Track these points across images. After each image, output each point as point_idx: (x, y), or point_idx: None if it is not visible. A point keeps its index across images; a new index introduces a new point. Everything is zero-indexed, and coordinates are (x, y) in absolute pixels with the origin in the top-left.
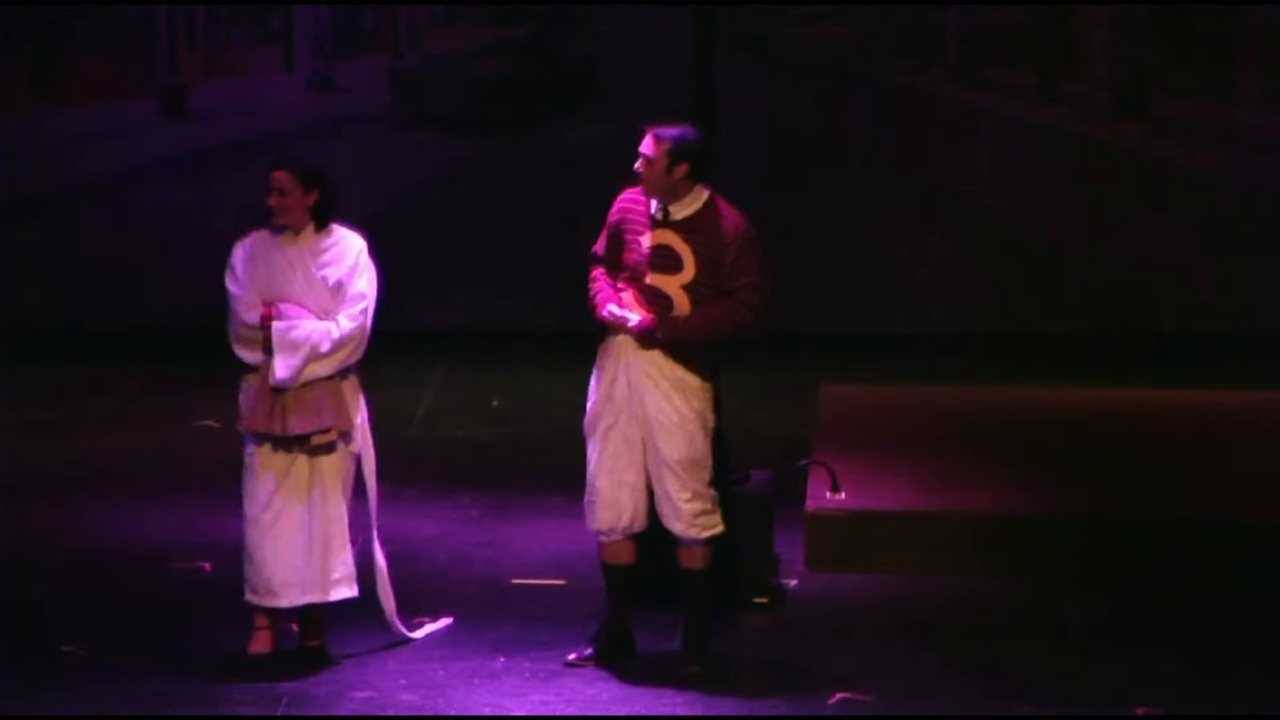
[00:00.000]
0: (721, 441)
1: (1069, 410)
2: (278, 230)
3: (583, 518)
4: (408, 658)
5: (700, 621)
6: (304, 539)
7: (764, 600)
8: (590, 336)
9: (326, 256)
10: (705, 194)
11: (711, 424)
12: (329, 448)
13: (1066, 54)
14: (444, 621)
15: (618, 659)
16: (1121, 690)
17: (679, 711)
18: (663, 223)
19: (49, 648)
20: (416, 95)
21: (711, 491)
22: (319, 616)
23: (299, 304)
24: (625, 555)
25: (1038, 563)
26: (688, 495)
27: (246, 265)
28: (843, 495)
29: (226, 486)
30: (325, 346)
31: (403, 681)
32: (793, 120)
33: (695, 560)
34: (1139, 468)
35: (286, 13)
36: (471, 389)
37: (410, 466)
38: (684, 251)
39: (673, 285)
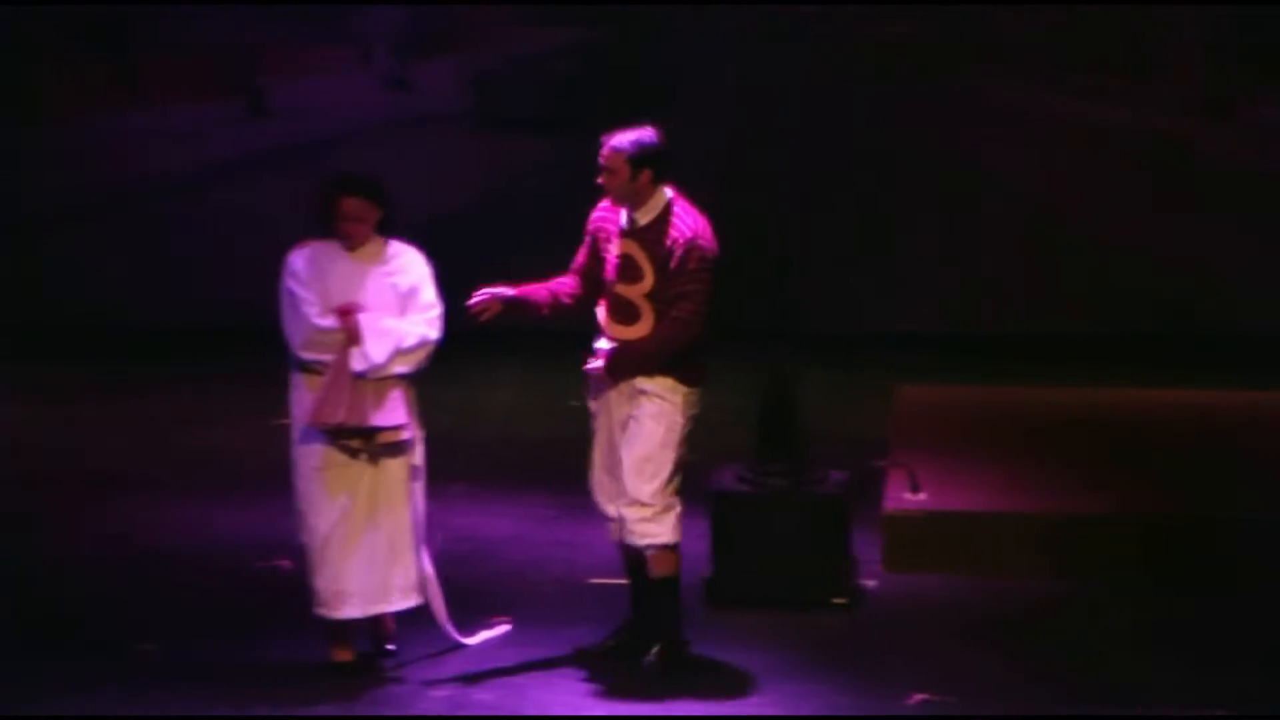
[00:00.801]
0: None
1: (1144, 411)
2: (334, 239)
3: None
4: (484, 657)
5: (664, 629)
6: (369, 548)
7: (842, 601)
8: None
9: (393, 265)
10: (665, 199)
11: (678, 427)
12: (396, 451)
13: (1135, 55)
14: (501, 627)
15: (638, 649)
16: (1196, 691)
17: (757, 713)
18: (628, 232)
19: (128, 646)
20: (492, 96)
21: (656, 502)
22: (390, 621)
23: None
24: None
25: (1115, 563)
26: (627, 500)
27: (311, 273)
28: (922, 495)
29: None
30: (410, 341)
31: (480, 681)
32: (859, 121)
33: (651, 568)
34: (1214, 468)
35: (364, 13)
36: (548, 388)
37: (486, 466)
38: (643, 260)
39: (636, 294)
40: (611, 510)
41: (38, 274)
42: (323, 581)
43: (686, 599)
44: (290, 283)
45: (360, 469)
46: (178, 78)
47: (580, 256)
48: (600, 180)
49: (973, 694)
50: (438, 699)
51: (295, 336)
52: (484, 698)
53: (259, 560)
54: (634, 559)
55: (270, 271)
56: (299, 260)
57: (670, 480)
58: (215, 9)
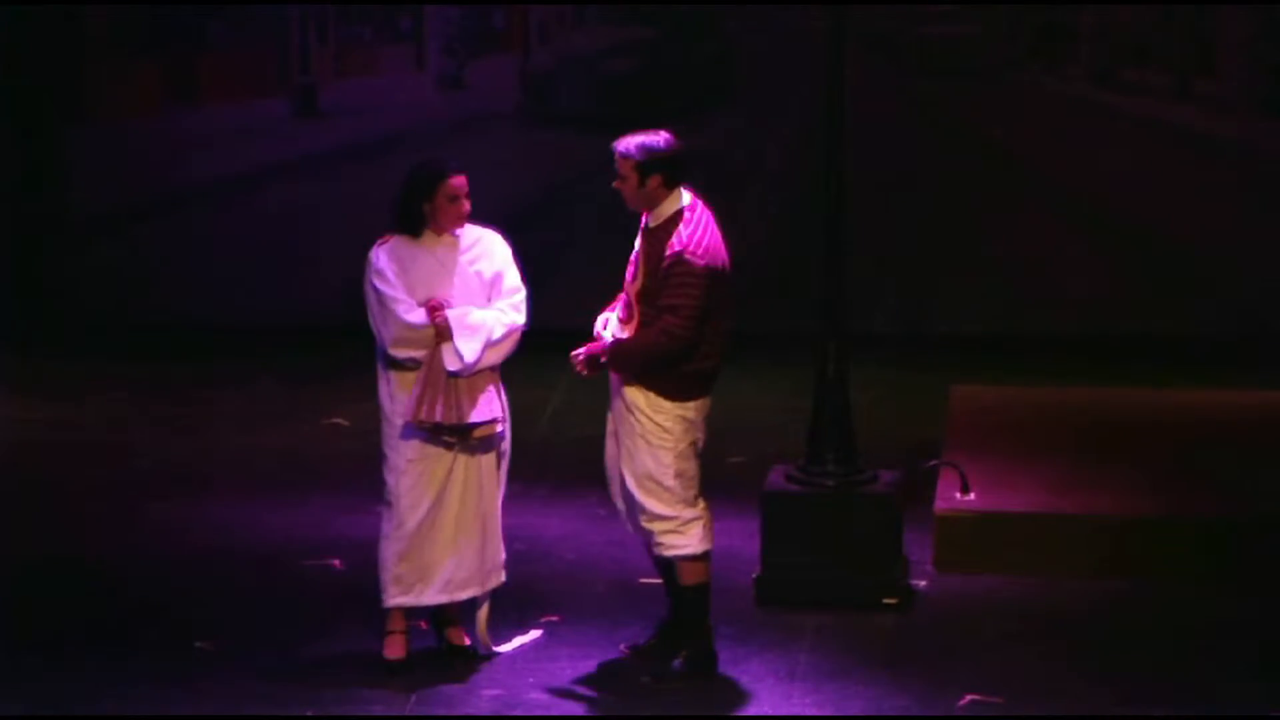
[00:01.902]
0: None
1: (1198, 411)
2: (414, 234)
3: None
4: (535, 657)
5: (691, 635)
6: (467, 534)
7: (893, 601)
8: None
9: (474, 253)
10: (678, 205)
11: (683, 444)
12: (489, 442)
13: (1201, 53)
14: (534, 633)
15: (668, 651)
16: (1252, 692)
17: (808, 712)
18: (642, 233)
19: (181, 644)
20: (546, 95)
21: (676, 512)
22: (458, 614)
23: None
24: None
25: (1166, 564)
26: (646, 516)
27: (394, 269)
28: (972, 496)
29: (357, 484)
30: (498, 333)
31: (530, 680)
32: (923, 120)
33: (680, 575)
34: (1268, 469)
35: (416, 12)
36: (600, 389)
37: (539, 465)
38: (645, 262)
39: (633, 293)
40: (623, 510)
41: (85, 276)
42: (405, 568)
43: (738, 599)
44: (376, 281)
45: (454, 459)
46: (227, 78)
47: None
48: (615, 184)
49: (1023, 695)
50: (488, 699)
51: (385, 335)
52: (535, 698)
53: (310, 559)
54: (664, 561)
55: (320, 273)
56: (382, 257)
57: (682, 492)
58: (266, 9)
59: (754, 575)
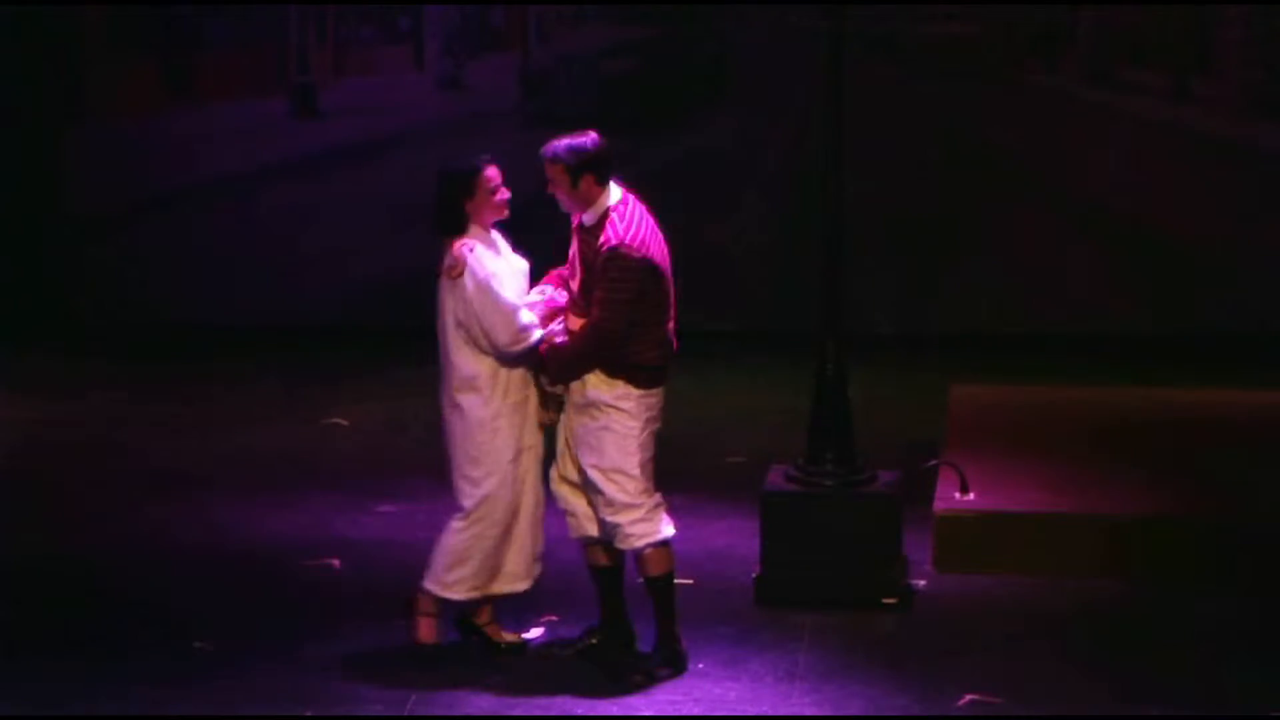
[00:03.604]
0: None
1: (1198, 412)
2: (458, 234)
3: (705, 517)
4: (535, 657)
5: (661, 625)
6: (535, 527)
7: (892, 601)
8: (716, 336)
9: (504, 244)
10: (609, 201)
11: (634, 433)
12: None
13: (1199, 53)
14: (535, 632)
15: (613, 655)
16: (1251, 692)
17: (808, 712)
18: (578, 231)
19: (180, 644)
20: (545, 94)
21: (640, 500)
22: (492, 610)
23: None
24: (599, 558)
25: (1166, 565)
26: (612, 509)
27: (498, 271)
28: (971, 496)
29: (357, 484)
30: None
31: (530, 680)
32: (921, 120)
33: (644, 567)
34: (1269, 469)
35: (416, 12)
36: None
37: None
38: (582, 259)
39: (576, 290)
40: (572, 505)
41: (85, 276)
42: (475, 567)
43: (738, 599)
44: (493, 284)
45: (533, 457)
46: (227, 78)
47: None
48: (548, 189)
49: (1023, 695)
50: (488, 698)
51: (508, 335)
52: (535, 698)
53: (309, 559)
54: (604, 574)
55: (319, 273)
56: (487, 264)
57: (645, 481)
58: (265, 8)
59: (754, 575)
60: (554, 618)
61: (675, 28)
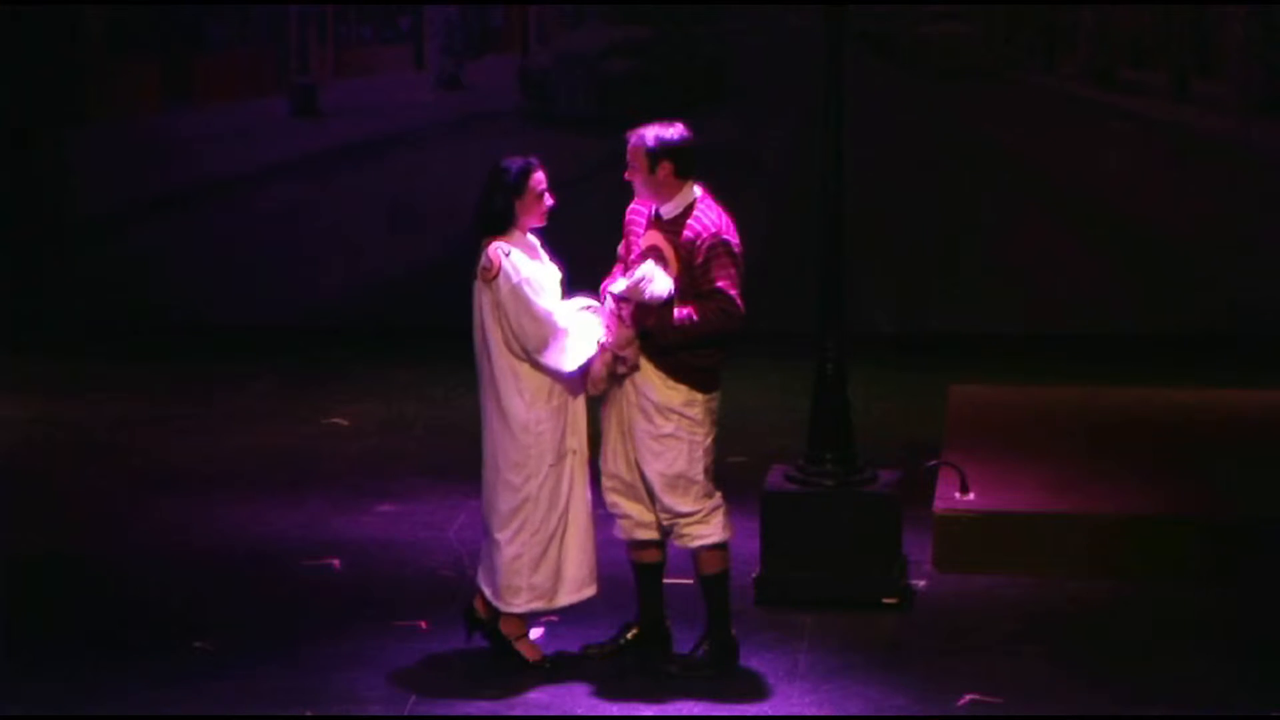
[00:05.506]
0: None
1: (1198, 412)
2: (501, 233)
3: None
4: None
5: (712, 623)
6: (587, 533)
7: (893, 601)
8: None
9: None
10: (693, 195)
11: (700, 439)
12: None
13: (1199, 53)
14: (535, 632)
15: (650, 654)
16: (1249, 692)
17: (808, 712)
18: (654, 223)
19: (181, 644)
20: (545, 94)
21: (698, 504)
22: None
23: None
24: (648, 555)
25: (1167, 565)
26: (669, 515)
27: (534, 276)
28: (971, 496)
29: (356, 484)
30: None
31: (530, 680)
32: (922, 120)
33: (700, 566)
34: (1267, 469)
35: (415, 12)
36: None
37: None
38: (669, 251)
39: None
40: (624, 508)
41: (85, 275)
42: (541, 576)
43: (738, 599)
44: (527, 290)
45: (575, 458)
46: (227, 78)
47: (622, 246)
48: (626, 175)
49: (1023, 694)
50: (488, 699)
51: (532, 343)
52: (536, 697)
53: (309, 559)
54: (646, 571)
55: (319, 273)
56: (523, 267)
57: (707, 485)
58: (265, 8)
59: (754, 575)
60: (554, 618)
61: (675, 28)
